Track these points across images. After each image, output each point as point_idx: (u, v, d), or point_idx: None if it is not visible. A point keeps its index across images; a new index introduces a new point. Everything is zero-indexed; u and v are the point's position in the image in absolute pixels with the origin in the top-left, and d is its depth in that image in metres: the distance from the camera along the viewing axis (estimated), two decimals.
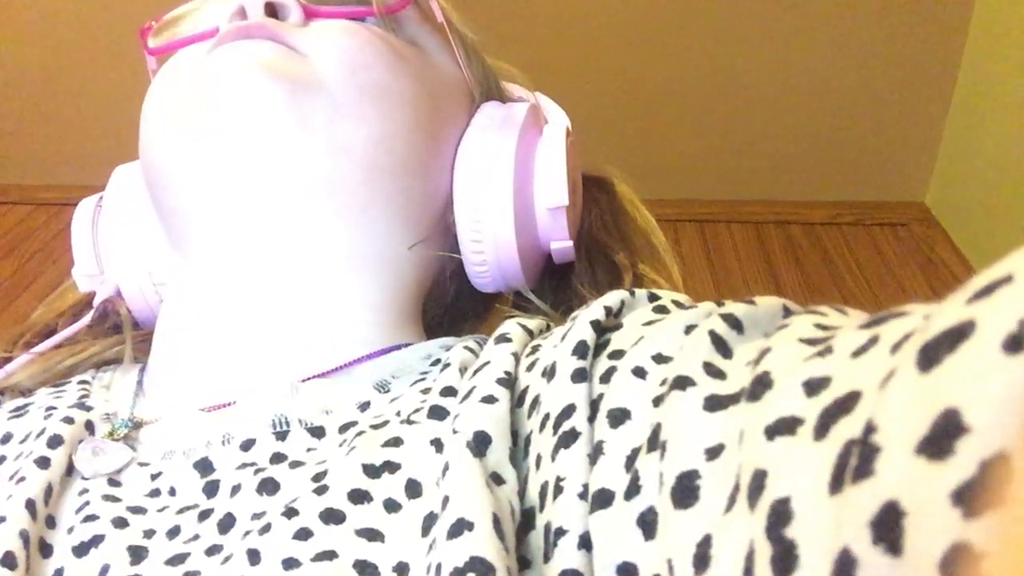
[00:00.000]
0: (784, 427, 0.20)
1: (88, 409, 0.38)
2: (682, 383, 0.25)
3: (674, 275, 0.50)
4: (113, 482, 0.35)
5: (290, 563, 0.27)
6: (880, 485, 0.16)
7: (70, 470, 0.35)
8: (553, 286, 0.50)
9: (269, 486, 0.32)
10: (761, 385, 0.22)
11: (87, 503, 0.33)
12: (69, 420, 0.37)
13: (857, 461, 0.17)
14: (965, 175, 1.81)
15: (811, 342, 0.23)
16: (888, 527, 0.16)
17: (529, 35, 1.81)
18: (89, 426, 0.37)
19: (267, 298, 0.40)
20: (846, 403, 0.19)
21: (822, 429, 0.19)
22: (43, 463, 0.34)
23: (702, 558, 0.21)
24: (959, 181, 1.84)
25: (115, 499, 0.34)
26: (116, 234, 0.48)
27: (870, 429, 0.17)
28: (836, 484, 0.18)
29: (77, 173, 2.16)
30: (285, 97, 0.38)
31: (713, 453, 0.23)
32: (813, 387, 0.20)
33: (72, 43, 2.00)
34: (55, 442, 0.35)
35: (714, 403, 0.24)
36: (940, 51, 1.79)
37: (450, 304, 0.50)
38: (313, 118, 0.39)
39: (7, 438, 0.37)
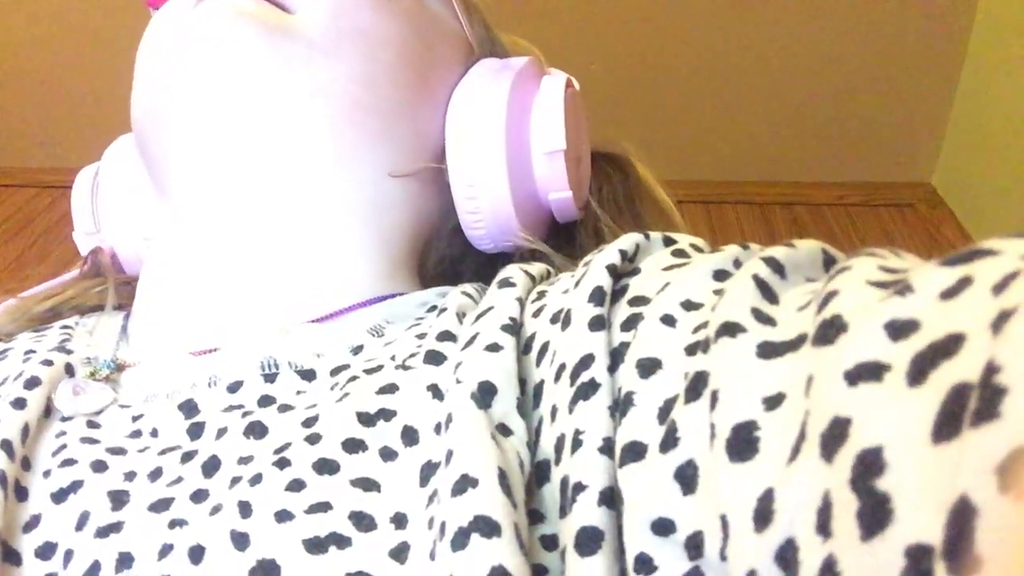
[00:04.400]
0: (867, 372, 0.19)
1: (68, 352, 0.38)
2: (731, 330, 0.23)
3: None
4: (92, 424, 0.34)
5: (283, 516, 0.27)
6: (1008, 428, 0.15)
7: (48, 412, 0.34)
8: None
9: (257, 429, 0.31)
10: (833, 329, 0.21)
11: (64, 446, 0.32)
12: (48, 362, 0.36)
13: (978, 404, 0.16)
14: (972, 156, 1.80)
15: (880, 284, 0.21)
16: (1018, 473, 0.15)
17: (534, 15, 1.80)
18: (69, 369, 0.36)
19: (253, 243, 0.39)
20: (946, 346, 0.18)
21: (917, 374, 0.18)
22: (19, 404, 0.33)
23: (764, 513, 0.20)
24: (966, 162, 1.83)
25: (94, 441, 0.33)
26: (110, 194, 0.50)
27: (992, 370, 0.16)
28: (943, 431, 0.17)
29: (82, 155, 2.15)
30: (261, 38, 0.39)
31: (772, 403, 0.21)
32: (898, 330, 0.19)
33: (76, 25, 2.00)
34: (32, 383, 0.34)
35: (768, 350, 0.22)
36: (947, 31, 1.77)
37: (451, 270, 0.48)
38: (292, 58, 0.39)
39: None
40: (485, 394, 0.28)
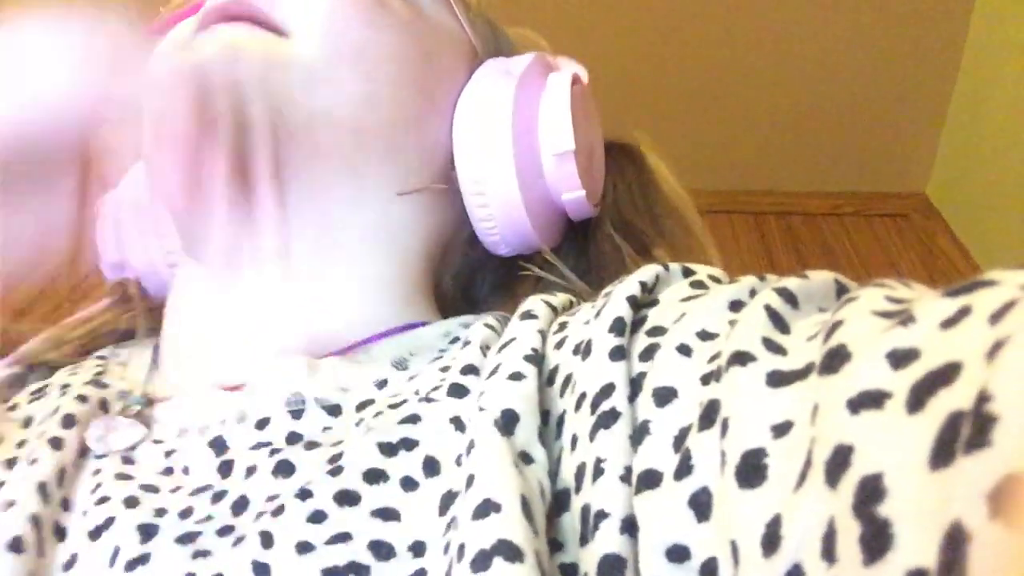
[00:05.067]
0: (869, 400, 0.19)
1: (103, 387, 0.38)
2: (742, 359, 0.24)
3: (710, 255, 0.48)
4: (127, 459, 0.34)
5: (304, 547, 0.27)
6: (998, 456, 0.16)
7: (84, 450, 0.35)
8: (575, 254, 0.48)
9: (284, 468, 0.31)
10: (838, 358, 0.21)
11: (100, 484, 0.33)
12: (83, 399, 0.36)
13: (970, 432, 0.16)
14: (966, 166, 1.81)
15: (885, 315, 0.22)
16: (1008, 500, 0.15)
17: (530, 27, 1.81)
18: (103, 404, 0.37)
19: (271, 280, 0.39)
20: (944, 375, 0.18)
21: (916, 402, 0.18)
22: (56, 444, 0.34)
23: (771, 539, 0.20)
24: (960, 172, 1.83)
25: (128, 477, 0.33)
26: (132, 223, 0.50)
27: (984, 399, 0.16)
28: (939, 458, 0.17)
29: None
30: (254, 71, 0.38)
31: (780, 431, 0.22)
32: (899, 359, 0.20)
33: None
34: (68, 422, 0.35)
35: (777, 379, 0.23)
36: (942, 41, 1.78)
37: (467, 278, 0.48)
38: (288, 86, 0.38)
39: (28, 422, 0.37)
40: (508, 422, 0.28)
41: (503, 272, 0.49)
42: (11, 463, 0.35)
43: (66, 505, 0.32)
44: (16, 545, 0.29)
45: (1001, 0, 1.66)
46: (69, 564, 0.30)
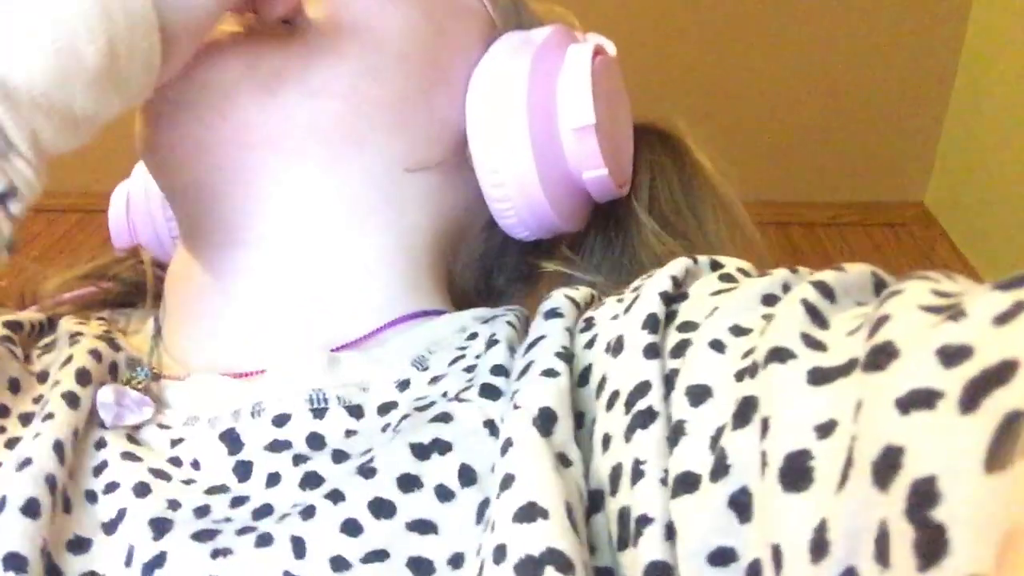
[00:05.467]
0: (920, 400, 0.19)
1: (116, 348, 0.37)
2: (780, 355, 0.23)
3: (761, 254, 0.46)
4: (132, 439, 0.33)
5: (339, 563, 0.26)
6: None
7: (91, 414, 0.33)
8: (603, 245, 0.47)
9: (313, 481, 0.30)
10: (884, 355, 0.20)
11: (105, 463, 0.31)
12: (96, 355, 0.35)
13: None
14: (964, 175, 1.81)
15: (933, 309, 0.21)
16: None
17: None
18: (113, 368, 0.36)
19: (276, 258, 0.38)
20: (999, 373, 0.18)
21: (970, 402, 0.18)
22: (72, 401, 0.32)
23: (819, 544, 0.20)
24: (958, 181, 1.83)
25: (135, 458, 0.31)
26: (143, 208, 0.50)
27: None
28: (995, 460, 0.17)
29: (75, 178, 2.15)
30: (241, 61, 0.37)
31: (825, 431, 0.21)
32: (950, 356, 0.19)
33: None
34: (84, 379, 0.33)
35: (819, 376, 0.22)
36: (938, 51, 1.79)
37: (487, 266, 0.47)
38: (281, 73, 0.37)
39: (44, 376, 0.35)
40: (546, 421, 0.27)
41: (523, 262, 0.47)
42: (27, 418, 0.33)
43: (71, 473, 0.30)
44: (31, 509, 0.27)
45: (996, 10, 1.67)
46: (77, 547, 0.29)
